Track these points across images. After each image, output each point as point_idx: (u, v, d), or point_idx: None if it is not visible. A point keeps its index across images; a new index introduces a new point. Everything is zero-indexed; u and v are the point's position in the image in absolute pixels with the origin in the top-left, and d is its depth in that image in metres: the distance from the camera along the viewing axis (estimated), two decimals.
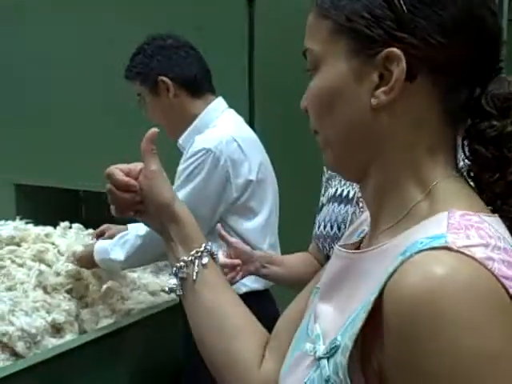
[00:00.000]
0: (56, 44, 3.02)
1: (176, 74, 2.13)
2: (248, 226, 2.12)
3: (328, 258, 1.69)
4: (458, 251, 0.63)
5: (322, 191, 1.81)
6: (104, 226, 2.51)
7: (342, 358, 0.68)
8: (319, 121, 0.80)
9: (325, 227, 1.69)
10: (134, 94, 2.21)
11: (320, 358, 0.73)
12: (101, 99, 2.91)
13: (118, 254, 2.16)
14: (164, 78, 2.12)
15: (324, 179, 1.82)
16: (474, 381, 0.60)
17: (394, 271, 0.64)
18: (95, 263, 2.27)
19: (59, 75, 3.04)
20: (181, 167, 2.07)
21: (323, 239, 1.69)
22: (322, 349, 0.74)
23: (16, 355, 2.04)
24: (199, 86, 2.17)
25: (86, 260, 2.30)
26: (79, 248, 2.34)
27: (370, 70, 0.74)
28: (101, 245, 2.27)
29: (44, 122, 3.13)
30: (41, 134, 3.14)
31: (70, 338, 2.19)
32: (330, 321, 0.77)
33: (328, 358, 0.71)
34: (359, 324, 0.67)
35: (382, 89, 0.73)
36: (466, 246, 0.64)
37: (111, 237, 2.45)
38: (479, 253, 0.63)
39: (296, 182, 2.07)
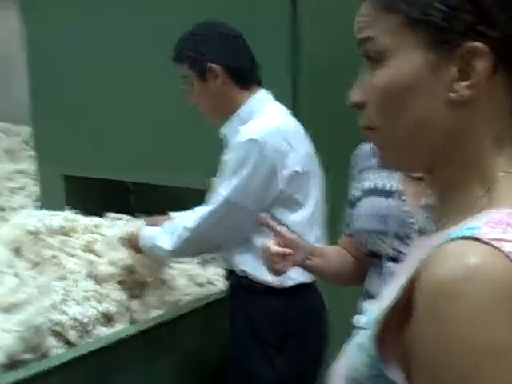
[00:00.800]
0: (114, 41, 3.03)
1: (226, 62, 2.11)
2: (293, 218, 2.11)
3: (373, 253, 1.68)
4: (486, 242, 0.63)
5: (355, 184, 1.77)
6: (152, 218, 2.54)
7: (373, 330, 0.74)
8: (385, 116, 0.77)
9: (368, 221, 1.66)
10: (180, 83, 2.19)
11: (361, 328, 0.79)
12: (149, 92, 2.93)
13: (165, 243, 2.16)
14: (214, 65, 2.10)
15: (355, 172, 1.78)
16: (470, 372, 0.61)
17: (427, 258, 0.67)
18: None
19: (108, 72, 3.07)
20: (226, 158, 2.07)
21: (367, 234, 1.66)
22: (365, 320, 0.80)
23: (69, 343, 2.09)
24: (247, 77, 2.15)
25: (133, 243, 2.33)
26: (129, 229, 2.38)
27: (447, 64, 0.72)
28: (147, 232, 2.27)
29: (93, 113, 3.16)
30: (90, 126, 3.18)
31: (120, 328, 2.24)
32: (383, 299, 0.80)
33: (367, 329, 0.76)
34: (391, 303, 0.71)
35: (464, 83, 0.72)
36: (498, 240, 0.64)
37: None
38: (509, 247, 0.63)
39: (341, 173, 2.06)
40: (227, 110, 2.15)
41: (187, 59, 2.14)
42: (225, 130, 2.17)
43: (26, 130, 3.67)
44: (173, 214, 2.42)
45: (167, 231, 2.18)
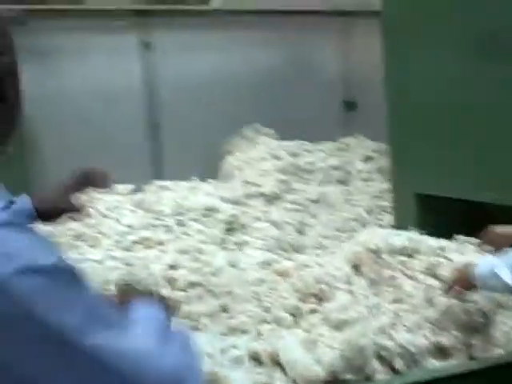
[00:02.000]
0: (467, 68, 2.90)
1: None
2: None
3: None
4: None
5: None
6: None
7: None
8: None
9: None
10: None
11: None
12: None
13: (506, 276, 1.87)
14: None
15: None
16: None
17: None
18: (472, 284, 1.99)
19: (464, 96, 2.94)
20: None
21: None
22: None
23: (394, 371, 1.94)
24: None
25: (461, 277, 2.05)
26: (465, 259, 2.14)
27: None
28: (486, 259, 2.01)
29: (451, 134, 3.00)
30: (446, 146, 3.02)
31: (455, 363, 2.01)
32: None
33: None
34: None
35: None
36: None
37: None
38: None
39: None
40: None
41: None
42: None
43: None
44: None
45: (508, 261, 1.88)
